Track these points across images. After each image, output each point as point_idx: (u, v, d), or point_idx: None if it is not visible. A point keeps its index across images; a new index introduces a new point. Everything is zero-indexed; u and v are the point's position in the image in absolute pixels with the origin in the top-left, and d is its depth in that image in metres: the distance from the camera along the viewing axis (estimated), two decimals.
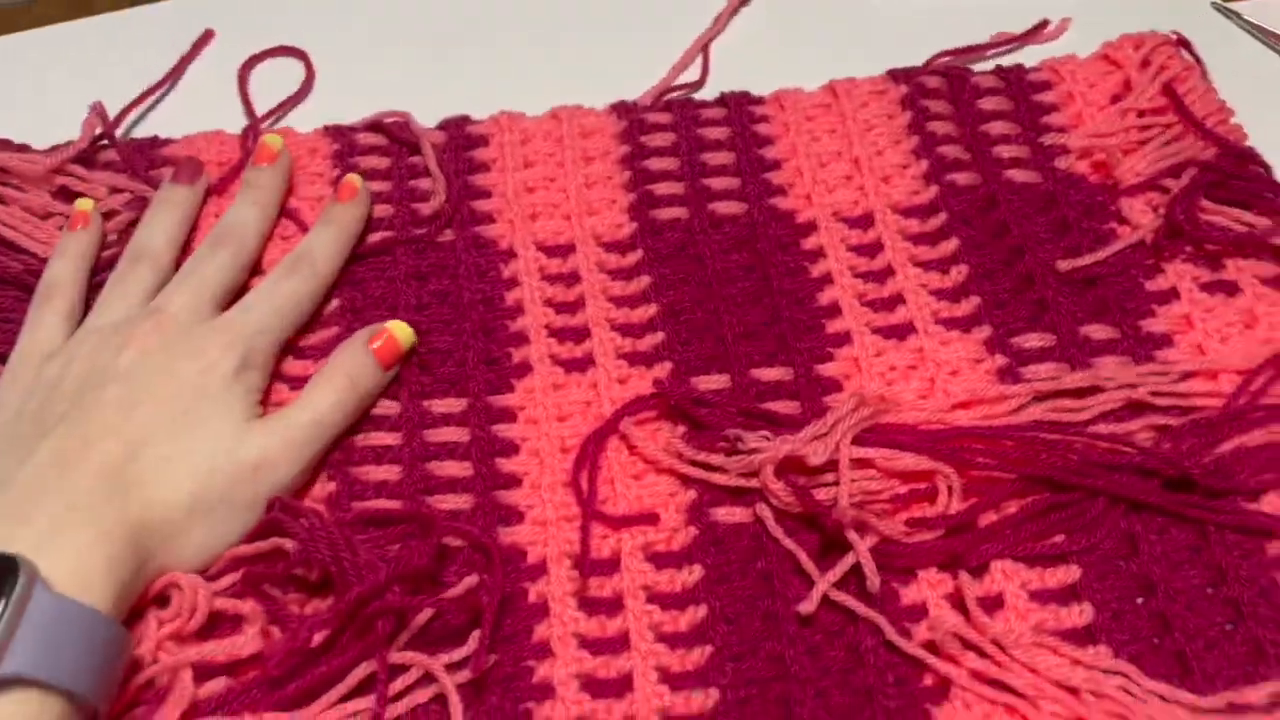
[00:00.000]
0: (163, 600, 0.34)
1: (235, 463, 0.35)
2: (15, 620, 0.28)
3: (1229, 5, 0.51)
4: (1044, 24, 0.50)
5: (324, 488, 0.37)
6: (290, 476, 0.36)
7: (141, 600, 0.34)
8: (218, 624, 0.34)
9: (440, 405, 0.39)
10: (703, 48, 0.49)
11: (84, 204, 0.42)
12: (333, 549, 0.33)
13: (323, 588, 0.35)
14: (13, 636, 0.28)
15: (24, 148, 0.44)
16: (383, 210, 0.44)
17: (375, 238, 0.43)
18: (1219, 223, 0.42)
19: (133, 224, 0.42)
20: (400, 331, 0.39)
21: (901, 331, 0.41)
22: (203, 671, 0.33)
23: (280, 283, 0.39)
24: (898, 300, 0.41)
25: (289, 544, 0.34)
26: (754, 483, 0.37)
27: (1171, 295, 0.41)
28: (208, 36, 0.50)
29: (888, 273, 0.42)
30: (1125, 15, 0.49)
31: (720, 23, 0.50)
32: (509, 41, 0.50)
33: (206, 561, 0.35)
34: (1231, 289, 0.41)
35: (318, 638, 0.33)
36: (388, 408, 0.39)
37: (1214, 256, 0.42)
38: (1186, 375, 0.39)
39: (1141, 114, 0.45)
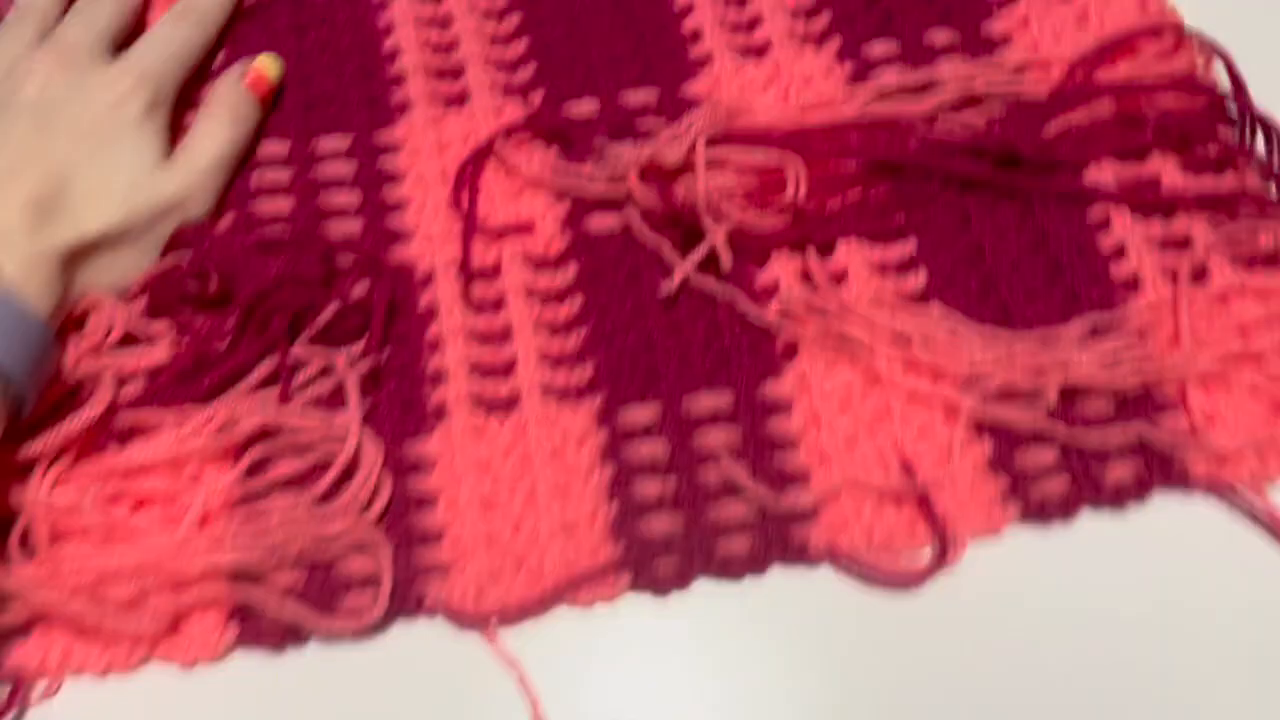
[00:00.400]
0: (80, 324, 0.37)
1: (153, 200, 0.38)
2: None
3: None
4: None
5: (223, 222, 0.40)
6: (200, 213, 0.39)
7: (64, 324, 0.37)
8: (131, 345, 0.37)
9: (327, 142, 0.42)
10: None
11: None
12: (227, 258, 0.36)
13: (226, 305, 0.38)
14: None
15: None
16: None
17: None
18: None
19: None
20: (268, 64, 0.41)
21: (759, 49, 0.43)
22: (121, 382, 0.36)
23: (172, 29, 0.41)
24: (756, 22, 0.44)
25: (186, 259, 0.37)
26: (621, 190, 0.40)
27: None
28: None
29: None
30: None
31: None
32: None
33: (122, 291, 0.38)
34: None
35: (222, 342, 0.36)
36: (278, 146, 0.41)
37: None
38: (1021, 68, 0.42)
39: None
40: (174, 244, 0.38)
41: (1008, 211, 0.40)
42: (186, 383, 0.36)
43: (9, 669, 0.33)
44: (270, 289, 0.36)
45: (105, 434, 0.35)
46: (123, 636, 0.33)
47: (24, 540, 0.34)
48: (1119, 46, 0.42)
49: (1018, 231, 0.39)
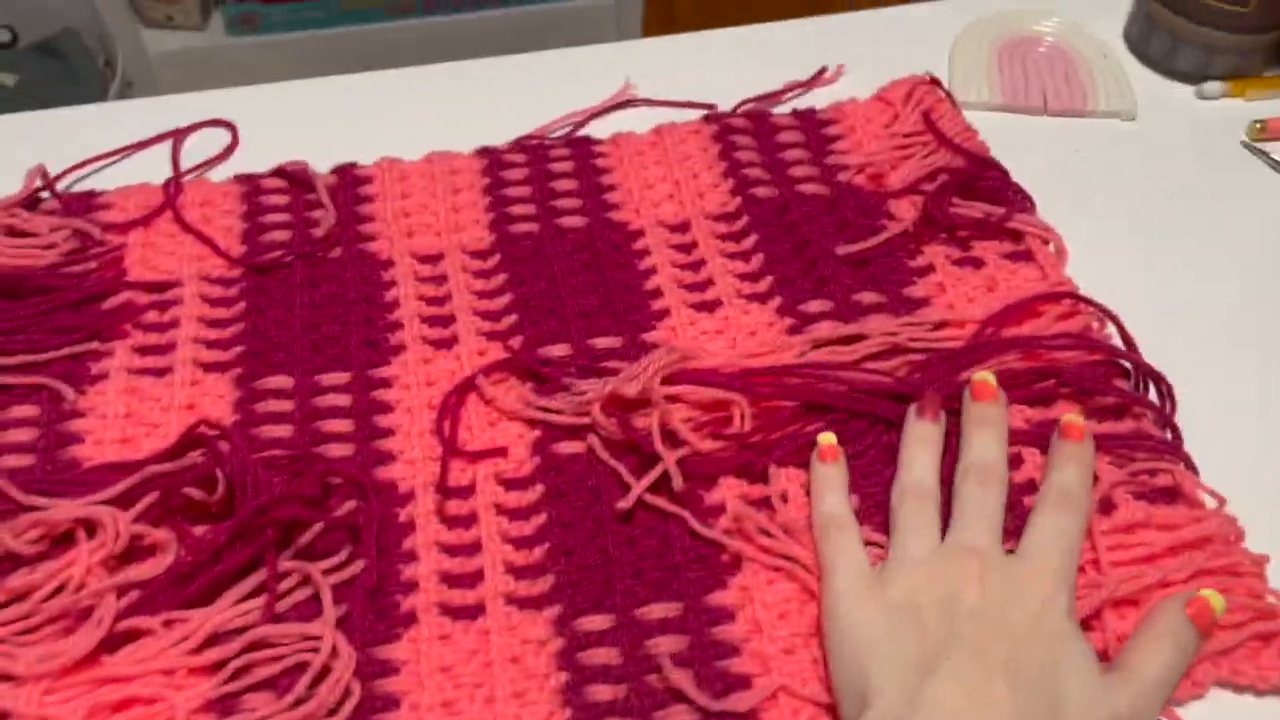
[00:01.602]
0: (90, 529, 0.40)
1: (1110, 712, 0.36)
2: None
3: (1259, 144, 0.58)
4: (823, 71, 0.61)
5: (225, 445, 0.44)
6: None
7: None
8: (134, 547, 0.41)
9: (328, 378, 0.47)
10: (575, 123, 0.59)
11: (826, 438, 0.43)
12: (239, 465, 0.40)
13: (223, 518, 0.41)
14: None
15: None
16: (283, 235, 0.52)
17: (275, 254, 0.51)
18: (967, 213, 0.53)
19: (72, 252, 0.50)
20: (1214, 599, 0.39)
21: (711, 306, 0.50)
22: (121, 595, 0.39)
23: (1056, 519, 0.40)
24: (709, 283, 0.51)
25: (200, 459, 0.41)
26: (586, 419, 0.45)
27: (929, 269, 0.51)
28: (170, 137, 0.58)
29: (701, 263, 0.51)
30: (1164, 154, 0.57)
31: (589, 113, 0.59)
32: (392, 100, 0.60)
33: None
34: (978, 263, 0.51)
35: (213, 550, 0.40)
36: (282, 382, 0.46)
37: (964, 240, 0.52)
38: (939, 325, 0.48)
39: (906, 136, 0.56)
40: (183, 447, 0.42)
41: None
42: (176, 586, 0.39)
43: None
44: (270, 505, 0.39)
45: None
46: None
47: None
48: (1023, 308, 0.48)
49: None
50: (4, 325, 0.47)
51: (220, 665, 0.38)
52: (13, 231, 0.51)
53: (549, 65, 0.63)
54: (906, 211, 0.53)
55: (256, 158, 0.56)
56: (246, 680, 0.38)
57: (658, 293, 0.50)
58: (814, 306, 0.49)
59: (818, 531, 0.41)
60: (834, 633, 0.38)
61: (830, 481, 0.42)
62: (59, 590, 0.39)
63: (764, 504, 0.43)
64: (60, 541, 0.40)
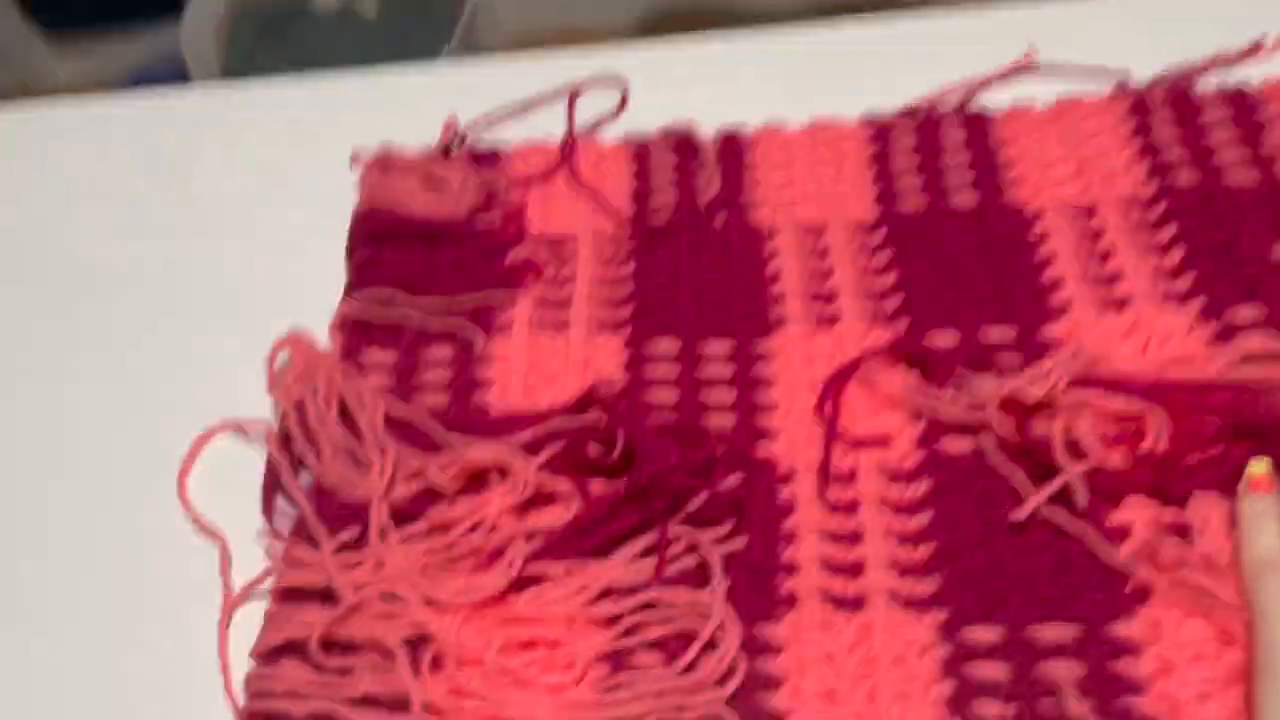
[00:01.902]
0: (501, 473, 0.43)
1: None
2: None
3: None
4: (1259, 45, 0.54)
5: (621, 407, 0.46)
6: None
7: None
8: (536, 495, 0.43)
9: (711, 347, 0.47)
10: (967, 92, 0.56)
11: (1260, 465, 0.39)
12: (639, 430, 0.42)
13: (614, 476, 0.43)
14: None
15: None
16: (669, 197, 0.53)
17: (661, 218, 0.52)
18: None
19: (478, 205, 0.53)
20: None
21: (1119, 304, 0.46)
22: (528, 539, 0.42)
23: None
24: (1117, 277, 0.47)
25: (601, 418, 0.43)
26: (977, 417, 0.43)
27: None
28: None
29: (1108, 254, 0.47)
30: None
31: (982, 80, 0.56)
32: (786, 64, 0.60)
33: None
34: None
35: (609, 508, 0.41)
36: (669, 346, 0.48)
37: None
38: None
39: None
40: (585, 404, 0.44)
41: None
42: (577, 539, 0.41)
43: None
44: (665, 472, 0.41)
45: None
46: None
47: (434, 663, 0.39)
48: None
49: None
50: (422, 271, 0.51)
51: (612, 620, 0.40)
52: (429, 181, 0.55)
53: (937, 27, 0.59)
54: None
55: (635, 118, 0.57)
56: (639, 638, 0.39)
57: (1058, 284, 0.47)
58: (1243, 314, 0.44)
59: (1248, 572, 0.37)
60: (1270, 696, 0.34)
61: (1265, 517, 0.38)
62: (475, 528, 0.42)
63: (1177, 531, 0.39)
64: (474, 480, 0.44)
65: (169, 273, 0.56)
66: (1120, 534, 0.40)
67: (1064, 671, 0.37)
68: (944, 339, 0.46)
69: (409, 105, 0.60)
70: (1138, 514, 0.40)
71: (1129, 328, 0.45)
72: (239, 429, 0.48)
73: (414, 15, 1.32)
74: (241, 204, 0.59)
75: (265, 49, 1.27)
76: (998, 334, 0.46)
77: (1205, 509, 0.39)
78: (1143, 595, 0.38)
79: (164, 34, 1.29)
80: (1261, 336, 0.43)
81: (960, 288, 0.47)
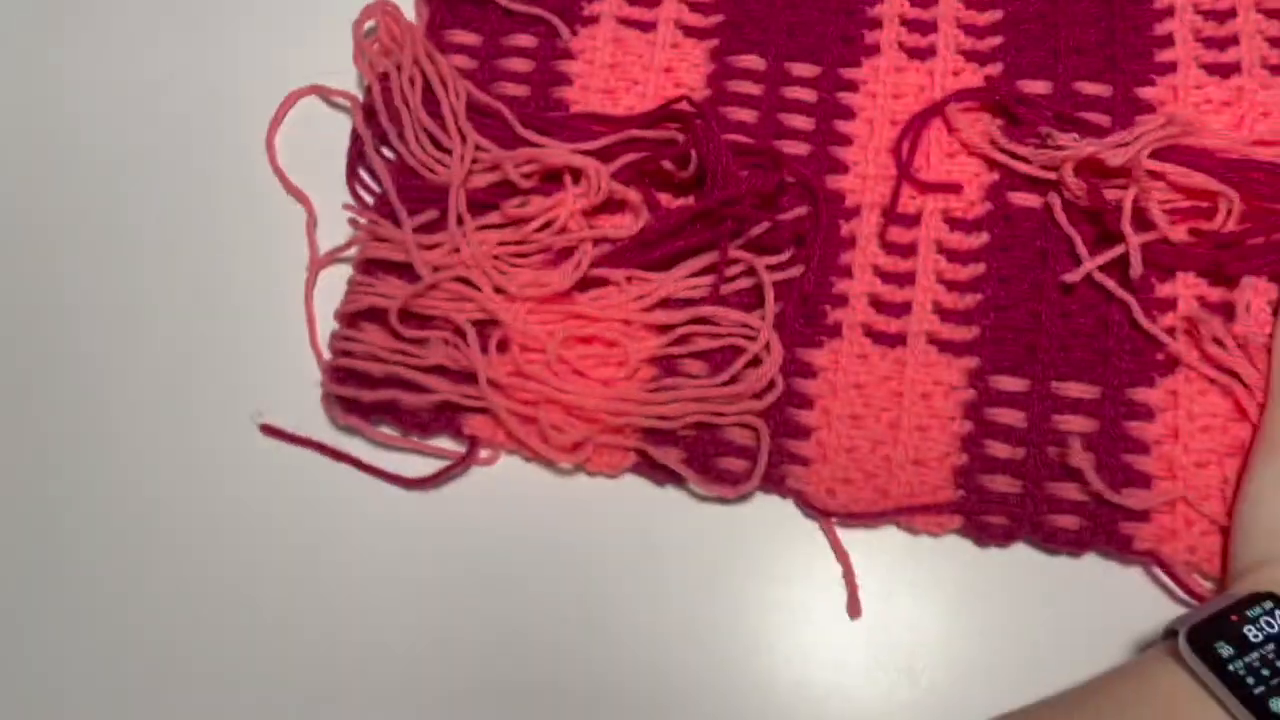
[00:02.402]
0: (575, 175, 0.45)
1: None
2: None
3: None
4: None
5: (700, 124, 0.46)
6: None
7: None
8: (608, 201, 0.45)
9: (798, 69, 0.47)
10: None
11: None
12: (715, 152, 0.42)
13: (683, 191, 0.45)
14: None
15: None
16: None
17: None
18: None
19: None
20: None
21: (1226, 70, 0.44)
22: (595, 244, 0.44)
23: None
24: (1230, 41, 0.44)
25: (679, 134, 0.44)
26: (1052, 175, 0.43)
27: None
28: None
29: (1229, 14, 0.45)
30: None
31: None
32: None
33: None
34: None
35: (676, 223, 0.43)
36: (754, 63, 0.47)
37: None
38: None
39: None
40: (663, 115, 0.45)
41: None
42: (642, 249, 0.43)
43: (465, 434, 0.43)
44: (734, 200, 0.42)
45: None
46: (544, 450, 0.42)
47: (500, 345, 0.43)
48: None
49: None
50: None
51: (667, 328, 0.43)
52: None
53: None
54: None
55: None
56: (688, 347, 0.42)
57: (1167, 40, 0.45)
58: None
59: (1277, 353, 0.39)
60: (1267, 465, 0.37)
61: None
62: (546, 225, 0.44)
63: (1221, 310, 0.40)
64: (549, 179, 0.45)
65: None
66: (1165, 305, 0.41)
67: (1077, 426, 0.40)
68: (1037, 88, 0.45)
69: None
70: (1185, 289, 0.41)
71: (1231, 98, 0.43)
72: (325, 93, 0.49)
73: None
74: None
75: None
76: (1093, 90, 0.45)
77: (1252, 291, 0.40)
78: (1170, 366, 0.40)
79: None
80: None
81: (1065, 34, 0.45)
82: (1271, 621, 0.32)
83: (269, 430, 0.44)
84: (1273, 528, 0.36)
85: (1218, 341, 0.40)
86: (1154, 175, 0.41)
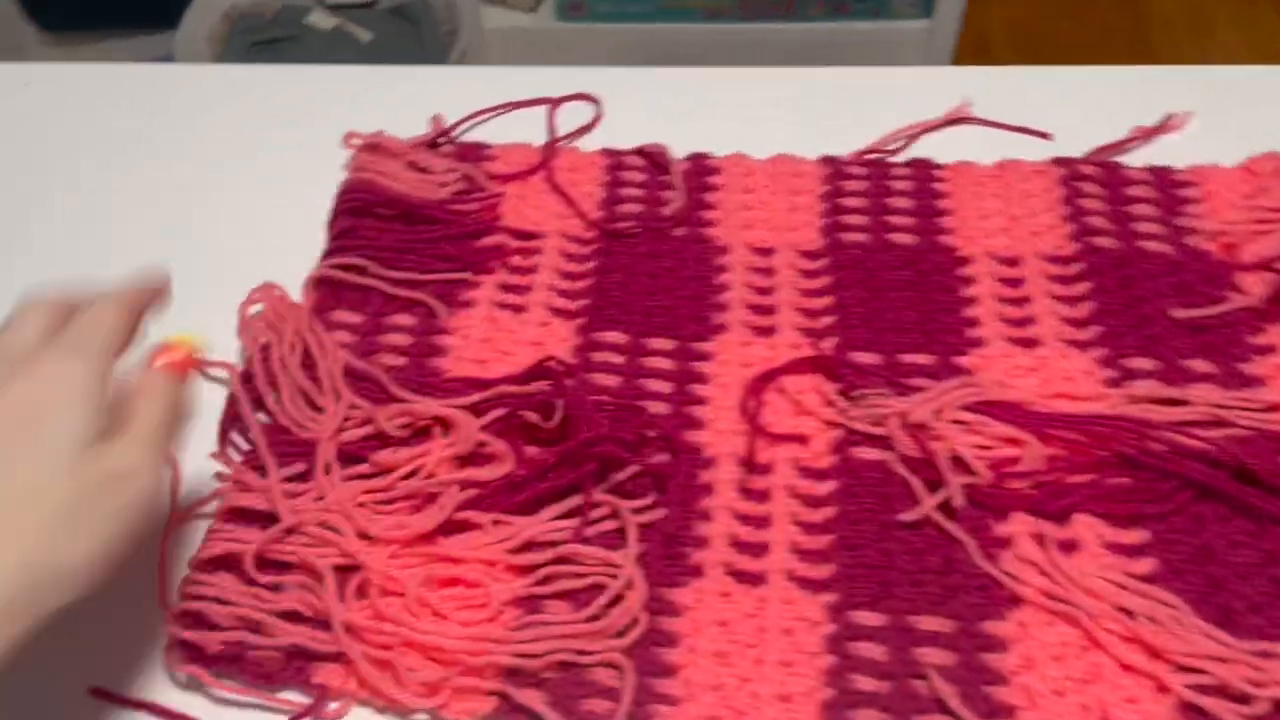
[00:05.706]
0: (445, 427, 0.47)
1: None
2: None
3: None
4: (1170, 119, 0.59)
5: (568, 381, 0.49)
6: None
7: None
8: (477, 452, 0.46)
9: (656, 343, 0.51)
10: (909, 136, 0.61)
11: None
12: (579, 401, 0.45)
13: (549, 444, 0.46)
14: None
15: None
16: (636, 208, 0.57)
17: (627, 225, 0.56)
18: None
19: (458, 193, 0.57)
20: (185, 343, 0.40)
21: (1029, 343, 0.50)
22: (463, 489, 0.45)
23: None
24: (1030, 321, 0.51)
25: (545, 387, 0.46)
26: (883, 431, 0.47)
27: (1270, 350, 0.49)
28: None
29: (1025, 300, 0.52)
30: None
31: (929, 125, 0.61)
32: (751, 102, 0.64)
33: None
34: None
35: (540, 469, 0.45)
36: (617, 338, 0.51)
37: None
38: (1273, 407, 0.46)
39: (1270, 210, 0.54)
40: (532, 376, 0.48)
41: (1241, 525, 0.43)
42: (508, 492, 0.44)
43: (314, 684, 0.40)
44: (596, 441, 0.44)
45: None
46: (399, 694, 0.40)
47: (360, 590, 0.42)
48: None
49: (1249, 546, 0.42)
50: (398, 244, 0.55)
51: (531, 569, 0.43)
52: (414, 167, 0.59)
53: (885, 81, 0.65)
54: (1255, 287, 0.51)
55: (611, 134, 0.61)
56: (551, 588, 0.42)
57: (976, 321, 0.51)
58: (1139, 363, 0.49)
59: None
60: None
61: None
62: (413, 474, 0.45)
63: (1057, 546, 0.43)
64: (419, 434, 0.47)
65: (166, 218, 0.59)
66: (1003, 543, 0.43)
67: (936, 658, 0.40)
68: (867, 359, 0.50)
69: (403, 103, 0.64)
70: (1020, 528, 0.44)
71: (1035, 365, 0.49)
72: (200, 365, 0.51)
73: (409, 45, 1.36)
74: (239, 170, 0.62)
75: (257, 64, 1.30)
76: (916, 360, 0.50)
77: (1082, 528, 0.43)
78: (1017, 601, 0.42)
79: (158, 43, 1.34)
80: (1150, 384, 0.48)
81: (888, 316, 0.51)
82: None
83: (99, 694, 0.41)
84: None
85: (1052, 574, 0.42)
86: (967, 427, 0.46)
